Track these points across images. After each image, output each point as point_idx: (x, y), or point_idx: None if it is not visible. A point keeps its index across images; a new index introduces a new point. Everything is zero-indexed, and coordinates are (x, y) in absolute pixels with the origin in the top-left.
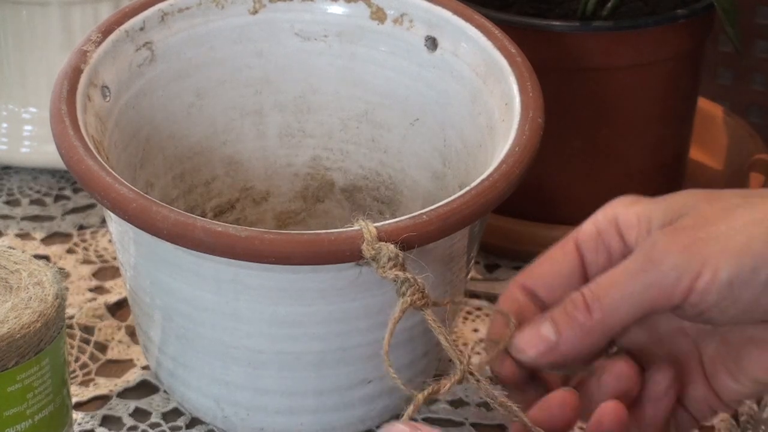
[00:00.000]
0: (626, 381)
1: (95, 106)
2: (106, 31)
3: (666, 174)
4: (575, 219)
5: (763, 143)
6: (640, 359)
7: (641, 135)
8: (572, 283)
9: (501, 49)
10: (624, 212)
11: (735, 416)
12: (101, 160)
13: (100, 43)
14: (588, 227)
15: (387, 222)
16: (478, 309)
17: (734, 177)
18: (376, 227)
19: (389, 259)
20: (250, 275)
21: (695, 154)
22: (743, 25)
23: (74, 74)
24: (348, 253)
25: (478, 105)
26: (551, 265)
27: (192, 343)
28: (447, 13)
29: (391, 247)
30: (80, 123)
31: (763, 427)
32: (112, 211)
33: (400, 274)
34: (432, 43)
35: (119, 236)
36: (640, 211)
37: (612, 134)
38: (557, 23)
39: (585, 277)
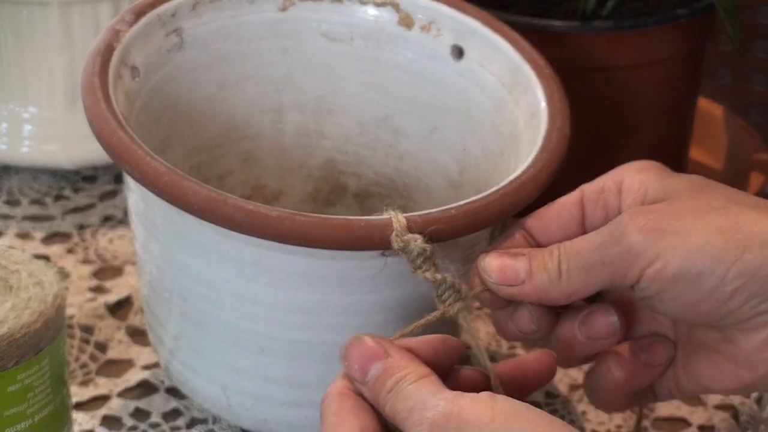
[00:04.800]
0: (609, 337)
1: (125, 84)
2: (140, 13)
3: None
4: None
5: (763, 143)
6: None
7: (641, 135)
8: (569, 231)
9: (530, 61)
10: (629, 177)
11: (735, 416)
12: (132, 133)
13: (132, 23)
14: (596, 183)
15: (416, 213)
16: (478, 309)
17: (734, 177)
18: (405, 217)
19: (419, 254)
20: (273, 258)
21: (695, 154)
22: (743, 25)
23: (107, 51)
24: (377, 241)
25: (503, 114)
26: (555, 211)
27: (206, 326)
28: (476, 24)
29: (420, 241)
30: (112, 97)
31: (763, 427)
32: (143, 184)
33: (430, 276)
34: (458, 52)
35: (143, 213)
36: (643, 179)
37: (612, 134)
38: (557, 23)
39: (583, 228)
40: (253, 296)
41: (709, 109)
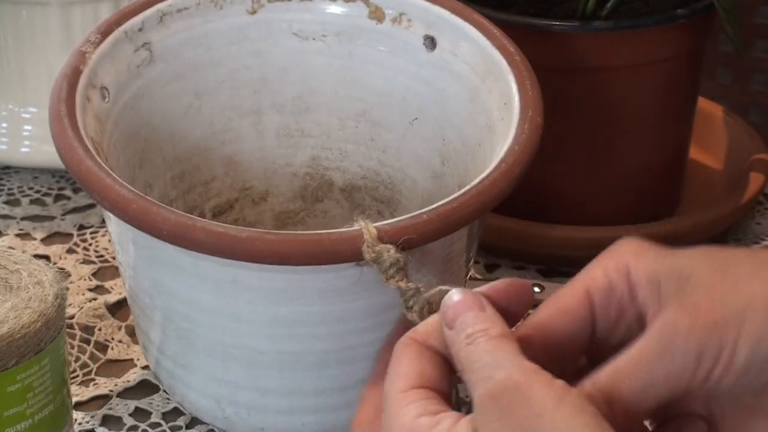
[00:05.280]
0: None
1: (94, 107)
2: (105, 31)
3: (666, 174)
4: (575, 219)
5: (763, 143)
6: None
7: (641, 135)
8: (580, 340)
9: (500, 48)
10: (635, 266)
11: None
12: (101, 161)
13: (98, 44)
14: (599, 277)
15: (387, 222)
16: None
17: (734, 177)
18: (376, 227)
19: (391, 264)
20: (250, 276)
21: (695, 154)
22: (743, 25)
23: (73, 75)
24: (348, 254)
25: (477, 104)
26: (560, 319)
27: (192, 343)
28: (445, 13)
29: (392, 251)
30: (79, 124)
31: None
32: (112, 212)
33: (403, 285)
34: (431, 42)
35: (118, 237)
36: (650, 268)
37: (612, 134)
38: (557, 23)
39: (593, 333)
40: (235, 313)
41: (709, 109)
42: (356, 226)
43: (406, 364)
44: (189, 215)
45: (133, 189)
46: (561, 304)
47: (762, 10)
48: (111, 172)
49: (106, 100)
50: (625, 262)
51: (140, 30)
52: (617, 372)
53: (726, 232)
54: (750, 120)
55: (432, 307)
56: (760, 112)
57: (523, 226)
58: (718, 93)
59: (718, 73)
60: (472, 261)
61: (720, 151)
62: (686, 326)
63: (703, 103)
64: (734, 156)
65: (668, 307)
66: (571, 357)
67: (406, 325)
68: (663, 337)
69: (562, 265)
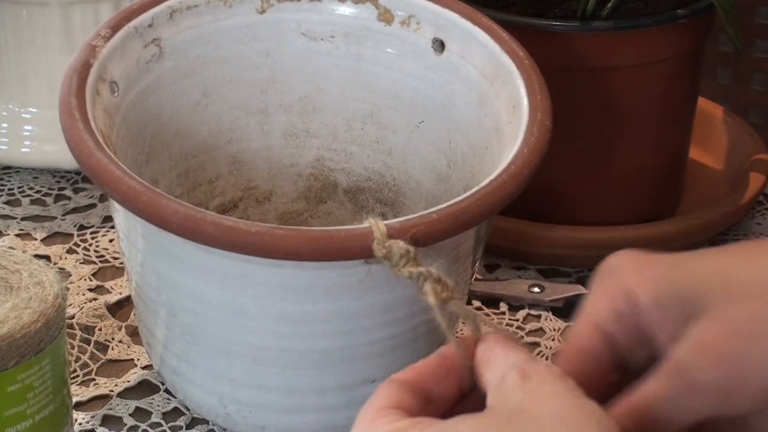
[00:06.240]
0: None
1: (104, 101)
2: (115, 26)
3: (666, 174)
4: (575, 219)
5: (763, 143)
6: None
7: (641, 135)
8: (603, 370)
9: (509, 51)
10: (638, 288)
11: None
12: (111, 154)
13: (109, 38)
14: (604, 309)
15: (396, 220)
16: (479, 309)
17: (734, 177)
18: (385, 225)
19: (401, 257)
20: (258, 271)
21: (695, 154)
22: (743, 25)
23: (83, 69)
24: (357, 250)
25: (485, 107)
26: (582, 360)
27: (196, 339)
28: (454, 16)
29: (402, 243)
30: (89, 117)
31: None
32: (122, 205)
33: (414, 270)
34: (439, 45)
35: (126, 231)
36: (655, 292)
37: (612, 134)
38: (557, 23)
39: (612, 358)
40: (242, 308)
41: (709, 109)
42: (366, 224)
43: (385, 393)
44: (199, 208)
45: (142, 181)
46: (576, 347)
47: (762, 10)
48: (121, 164)
49: (116, 94)
50: (627, 286)
51: (150, 26)
52: (624, 413)
53: (726, 232)
54: (750, 120)
55: (445, 285)
56: (760, 112)
57: (523, 226)
58: (718, 93)
59: (718, 73)
60: (477, 263)
61: (720, 151)
62: (704, 369)
63: (703, 103)
64: (734, 156)
65: (683, 342)
66: (604, 383)
67: None
68: (681, 376)
69: (562, 265)
